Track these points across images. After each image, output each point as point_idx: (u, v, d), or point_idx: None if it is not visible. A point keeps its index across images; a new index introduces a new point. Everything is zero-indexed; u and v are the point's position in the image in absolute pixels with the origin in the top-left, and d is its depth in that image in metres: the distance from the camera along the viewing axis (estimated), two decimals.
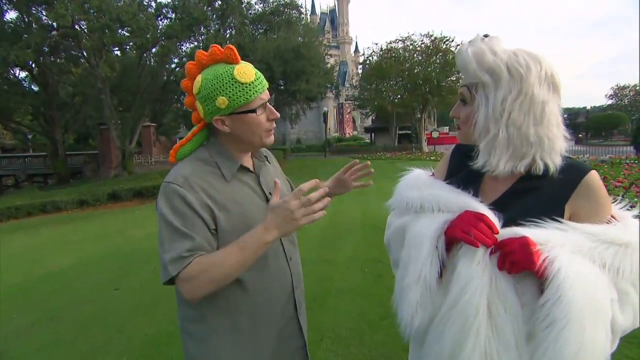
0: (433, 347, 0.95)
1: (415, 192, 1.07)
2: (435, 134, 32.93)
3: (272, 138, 1.16)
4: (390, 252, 1.17)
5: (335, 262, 5.05)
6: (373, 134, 45.18)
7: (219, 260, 0.99)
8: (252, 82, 1.08)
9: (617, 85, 67.50)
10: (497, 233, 0.90)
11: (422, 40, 30.07)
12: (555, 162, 0.93)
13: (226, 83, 1.06)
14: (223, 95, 1.05)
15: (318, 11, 75.15)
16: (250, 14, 26.73)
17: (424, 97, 30.20)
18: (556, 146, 0.93)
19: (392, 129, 37.81)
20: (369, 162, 1.40)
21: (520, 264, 0.85)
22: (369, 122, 51.43)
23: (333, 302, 3.73)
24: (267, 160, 1.29)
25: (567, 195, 0.92)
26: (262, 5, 27.09)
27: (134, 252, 6.88)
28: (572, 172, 0.93)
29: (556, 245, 0.86)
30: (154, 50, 24.66)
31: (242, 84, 1.06)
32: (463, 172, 1.07)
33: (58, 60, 25.71)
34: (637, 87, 59.79)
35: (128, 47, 24.29)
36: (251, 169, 1.20)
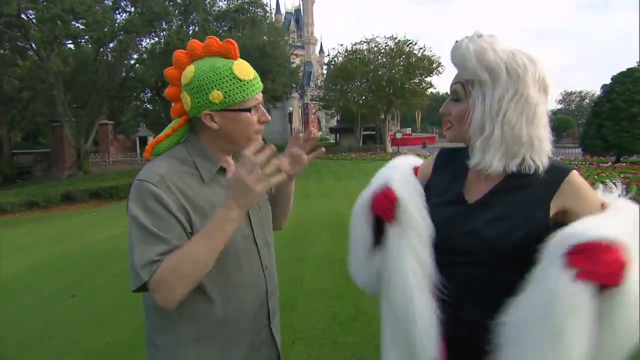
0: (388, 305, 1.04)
1: (387, 171, 1.13)
2: (399, 135, 33.71)
3: (259, 141, 1.07)
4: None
5: (305, 262, 5.01)
6: (338, 135, 45.60)
7: (186, 253, 0.91)
8: (251, 81, 1.03)
9: (565, 92, 72.11)
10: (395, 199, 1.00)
11: (386, 43, 30.71)
12: (543, 162, 0.94)
13: (224, 77, 0.99)
14: (219, 90, 0.99)
15: (283, 10, 74.88)
16: (214, 10, 26.21)
17: (388, 99, 30.83)
18: (544, 147, 0.94)
19: (356, 129, 38.32)
20: (312, 129, 1.31)
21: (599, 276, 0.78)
22: (334, 122, 51.85)
23: (305, 303, 3.69)
24: None
25: (551, 193, 0.94)
26: (226, 2, 26.68)
27: (92, 256, 6.52)
28: (555, 172, 0.95)
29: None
30: (111, 45, 23.61)
31: (241, 80, 1.01)
32: (447, 173, 1.09)
33: (2, 51, 24.03)
34: (583, 94, 63.95)
35: (83, 40, 23.08)
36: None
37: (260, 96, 1.06)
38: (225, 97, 0.99)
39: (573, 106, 69.86)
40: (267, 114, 1.09)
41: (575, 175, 0.95)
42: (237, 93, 1.00)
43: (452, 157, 1.12)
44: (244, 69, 1.02)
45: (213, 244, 0.92)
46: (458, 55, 0.96)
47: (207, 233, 0.93)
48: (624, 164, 15.20)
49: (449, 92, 1.04)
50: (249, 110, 1.03)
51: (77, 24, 20.61)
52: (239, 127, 1.04)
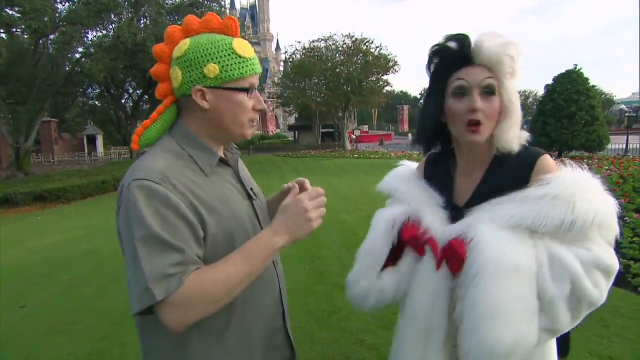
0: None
1: (397, 182, 1.20)
2: (357, 132, 34.18)
3: (251, 131, 0.98)
4: None
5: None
6: (296, 132, 45.44)
7: (222, 274, 0.81)
8: (250, 59, 0.94)
9: None
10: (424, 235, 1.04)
11: (344, 41, 30.95)
12: (522, 143, 1.04)
13: (222, 50, 0.91)
14: (215, 62, 0.90)
15: (238, 6, 73.38)
16: (167, 4, 25.15)
17: (346, 96, 31.12)
18: (524, 134, 1.06)
19: (315, 127, 38.38)
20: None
21: (456, 264, 0.96)
22: (292, 120, 51.61)
23: None
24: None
25: (527, 174, 1.01)
26: None
27: (39, 263, 6.06)
28: (530, 155, 1.03)
29: (483, 221, 0.94)
30: (52, 36, 21.97)
31: (240, 56, 0.92)
32: (436, 176, 1.16)
33: None
34: (527, 92, 68.10)
35: (19, 30, 21.27)
36: (226, 161, 1.02)
37: (256, 80, 0.97)
38: (221, 72, 0.90)
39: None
40: (262, 101, 0.99)
41: (547, 157, 1.04)
42: (234, 68, 0.91)
43: (439, 162, 1.18)
44: (244, 46, 0.94)
45: (252, 269, 0.84)
46: (490, 52, 0.97)
47: (249, 254, 0.84)
48: (565, 158, 16.38)
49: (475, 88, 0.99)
50: (245, 90, 0.93)
51: (10, 12, 18.97)
52: (231, 109, 0.93)
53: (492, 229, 0.92)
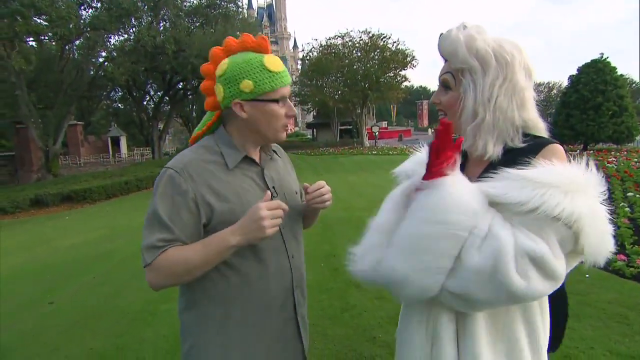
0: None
1: (417, 166, 1.14)
2: (375, 129, 33.98)
3: (285, 134, 1.16)
4: None
5: None
6: (315, 130, 45.53)
7: (184, 256, 1.01)
8: (280, 72, 1.09)
9: (534, 83, 74.33)
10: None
11: (360, 37, 30.79)
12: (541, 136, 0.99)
13: (255, 68, 1.07)
14: (249, 79, 1.06)
15: (255, 5, 73.96)
16: (185, 6, 25.60)
17: (364, 93, 30.98)
18: (539, 125, 1.00)
19: (333, 124, 38.35)
20: (322, 187, 1.23)
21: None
22: (310, 118, 51.71)
23: None
24: (277, 154, 1.28)
25: (531, 159, 0.93)
26: None
27: (67, 262, 6.31)
28: (541, 142, 0.98)
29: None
30: (77, 42, 22.70)
31: (270, 71, 1.07)
32: None
33: None
34: (550, 84, 66.14)
35: (46, 37, 22.08)
36: (257, 161, 1.18)
37: (288, 90, 1.12)
38: (255, 87, 1.06)
39: (542, 96, 72.32)
40: (293, 108, 1.15)
41: (558, 146, 0.96)
42: (266, 83, 1.06)
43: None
44: (274, 62, 1.09)
45: (208, 258, 1.01)
46: (447, 44, 0.98)
47: (207, 243, 1.01)
48: (591, 151, 15.85)
49: (438, 84, 1.06)
50: (276, 101, 1.09)
51: (39, 20, 19.70)
52: (266, 118, 1.10)
53: (464, 180, 0.92)
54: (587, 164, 0.90)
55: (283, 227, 1.12)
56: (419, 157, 1.20)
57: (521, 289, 0.82)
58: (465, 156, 1.06)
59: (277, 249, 1.13)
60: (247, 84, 1.05)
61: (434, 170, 0.92)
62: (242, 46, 1.11)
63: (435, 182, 0.91)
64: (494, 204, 0.89)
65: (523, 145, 0.97)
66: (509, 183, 0.88)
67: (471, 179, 1.02)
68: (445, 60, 1.02)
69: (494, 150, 0.97)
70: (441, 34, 1.01)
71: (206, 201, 1.04)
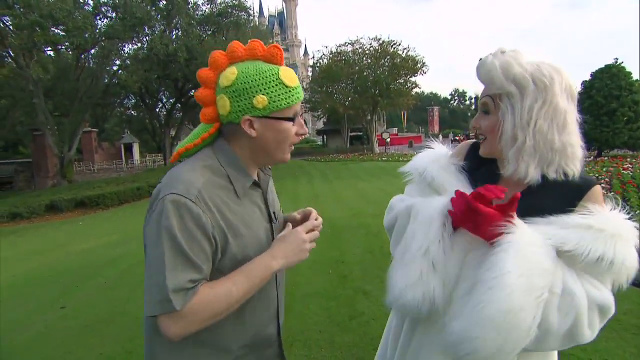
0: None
1: (434, 165, 1.14)
2: (385, 135, 33.93)
3: (289, 155, 1.04)
4: (391, 234, 1.20)
5: (298, 266, 4.89)
6: (325, 136, 45.62)
7: (225, 290, 0.89)
8: (296, 88, 0.98)
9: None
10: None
11: (370, 44, 30.89)
12: (577, 167, 0.97)
13: (270, 82, 0.94)
14: (264, 94, 0.93)
15: (266, 13, 74.77)
16: (197, 15, 26.01)
17: (374, 99, 30.98)
18: (577, 153, 0.97)
19: (343, 131, 38.40)
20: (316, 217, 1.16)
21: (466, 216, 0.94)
22: (320, 124, 51.86)
23: (301, 306, 3.68)
24: (269, 168, 1.17)
25: (576, 200, 0.97)
26: (209, 6, 26.52)
27: (80, 266, 6.39)
28: (582, 181, 0.98)
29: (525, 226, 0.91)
30: (92, 51, 23.21)
31: (287, 87, 0.96)
32: (480, 170, 1.10)
33: None
34: None
35: (63, 47, 22.65)
36: (259, 183, 1.07)
37: (299, 106, 1.02)
38: (270, 103, 0.94)
39: None
40: (304, 126, 1.04)
41: (599, 188, 0.99)
42: (282, 99, 0.95)
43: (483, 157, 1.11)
44: (290, 76, 0.97)
45: (251, 287, 0.92)
46: (484, 71, 0.99)
47: (248, 273, 0.92)
48: (606, 158, 15.57)
49: (476, 103, 1.08)
50: (291, 119, 0.99)
51: (56, 30, 20.22)
52: (277, 137, 0.98)
53: (534, 234, 0.89)
54: (621, 208, 0.95)
55: None
56: (430, 155, 1.19)
57: (587, 340, 0.89)
58: (488, 171, 1.08)
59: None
60: (261, 100, 0.92)
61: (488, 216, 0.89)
62: (250, 54, 0.97)
63: (506, 241, 0.87)
64: (558, 252, 0.90)
65: (562, 179, 0.96)
66: (578, 233, 0.89)
67: (510, 185, 1.02)
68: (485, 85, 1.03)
69: (535, 174, 0.97)
70: (480, 59, 1.01)
71: (223, 236, 0.92)
